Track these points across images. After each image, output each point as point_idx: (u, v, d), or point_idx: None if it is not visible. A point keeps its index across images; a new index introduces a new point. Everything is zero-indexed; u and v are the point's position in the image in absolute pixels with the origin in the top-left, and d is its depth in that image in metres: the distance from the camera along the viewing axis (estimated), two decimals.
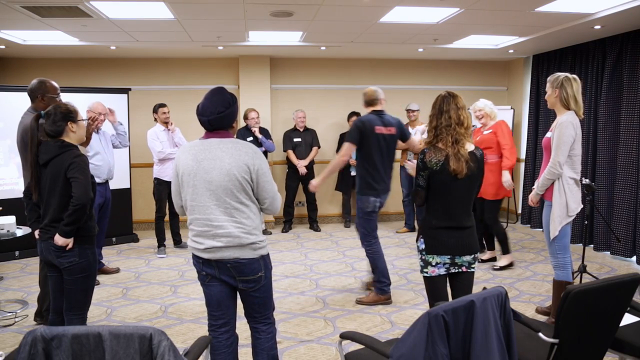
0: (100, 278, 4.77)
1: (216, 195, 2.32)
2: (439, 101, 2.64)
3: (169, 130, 5.74)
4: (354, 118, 6.83)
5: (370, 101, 4.13)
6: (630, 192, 5.34)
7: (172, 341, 1.60)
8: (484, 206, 5.06)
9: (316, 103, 7.41)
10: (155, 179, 5.73)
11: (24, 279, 4.93)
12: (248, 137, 6.31)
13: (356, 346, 2.41)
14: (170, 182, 2.56)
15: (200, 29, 5.36)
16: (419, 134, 4.26)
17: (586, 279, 4.25)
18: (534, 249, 5.94)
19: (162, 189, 5.67)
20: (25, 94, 3.60)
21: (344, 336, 2.26)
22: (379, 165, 4.02)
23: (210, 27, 5.32)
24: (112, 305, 4.25)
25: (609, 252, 5.66)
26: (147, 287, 4.69)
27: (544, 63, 6.85)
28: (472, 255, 2.67)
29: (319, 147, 7.00)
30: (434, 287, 2.68)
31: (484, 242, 5.36)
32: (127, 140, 5.30)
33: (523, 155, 7.27)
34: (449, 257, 2.62)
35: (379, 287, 4.14)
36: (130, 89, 6.49)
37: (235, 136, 2.48)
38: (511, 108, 7.49)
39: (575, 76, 3.41)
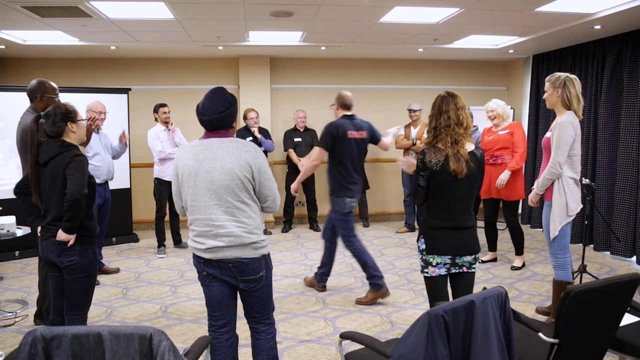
0: (100, 278, 4.77)
1: (217, 194, 2.32)
2: (438, 101, 2.64)
3: (169, 130, 5.74)
4: None
5: (346, 105, 4.22)
6: (630, 192, 5.34)
7: (172, 341, 1.60)
8: (504, 208, 5.07)
9: (316, 103, 7.41)
10: (156, 179, 5.74)
11: (24, 279, 4.93)
12: (247, 137, 6.31)
13: (356, 346, 2.41)
14: (170, 182, 2.57)
15: (200, 29, 5.36)
16: (390, 137, 4.34)
17: (586, 279, 4.25)
18: (534, 249, 5.93)
19: (162, 189, 5.68)
20: (25, 94, 3.61)
21: (344, 336, 2.26)
22: (351, 169, 4.13)
23: (210, 27, 5.32)
24: (112, 305, 4.25)
25: (609, 252, 5.66)
26: (147, 287, 4.69)
27: (544, 63, 6.85)
28: (473, 256, 2.66)
29: None
30: (434, 288, 2.68)
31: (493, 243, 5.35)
32: (120, 156, 5.33)
33: None
34: (449, 257, 2.62)
35: (373, 282, 4.18)
36: (130, 89, 6.49)
37: (234, 136, 2.48)
38: (511, 108, 7.45)
39: (575, 76, 3.42)
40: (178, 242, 6.10)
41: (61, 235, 2.71)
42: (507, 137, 4.97)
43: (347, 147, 4.08)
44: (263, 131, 6.57)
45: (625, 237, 5.34)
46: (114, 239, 6.24)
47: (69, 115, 2.80)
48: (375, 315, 3.96)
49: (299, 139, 6.89)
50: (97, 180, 4.52)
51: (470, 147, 2.60)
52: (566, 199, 3.41)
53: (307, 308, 4.12)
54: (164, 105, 5.82)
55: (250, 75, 7.17)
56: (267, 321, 2.55)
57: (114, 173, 5.08)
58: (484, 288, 1.97)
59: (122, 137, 5.16)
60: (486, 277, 4.88)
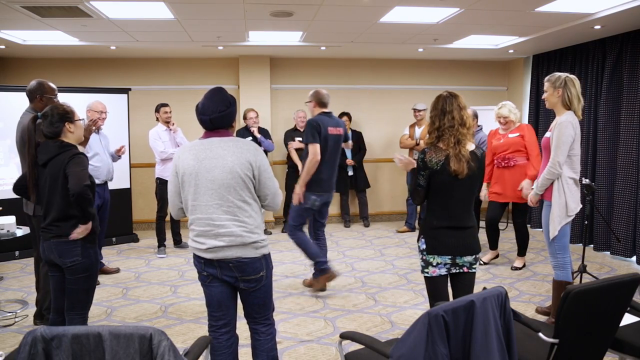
0: (100, 278, 4.76)
1: (218, 194, 2.31)
2: (440, 101, 2.62)
3: (170, 130, 5.74)
4: (344, 118, 6.85)
5: (323, 102, 4.26)
6: (630, 192, 5.34)
7: (172, 341, 1.60)
8: (514, 210, 5.08)
9: None
10: (158, 178, 5.73)
11: (24, 279, 4.93)
12: (247, 137, 6.31)
13: (356, 346, 2.41)
14: None
15: (200, 29, 5.36)
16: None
17: (586, 279, 4.25)
18: (533, 249, 5.93)
19: (164, 188, 5.62)
20: (25, 94, 3.61)
21: (344, 336, 2.26)
22: (324, 166, 4.17)
23: (210, 27, 5.32)
24: (112, 305, 4.25)
25: (609, 252, 5.66)
26: (147, 287, 4.69)
27: (544, 63, 6.85)
28: (473, 256, 2.66)
29: None
30: (434, 288, 2.67)
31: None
32: (114, 161, 5.27)
33: None
34: (449, 257, 2.62)
35: (318, 267, 4.26)
36: (130, 89, 6.49)
37: (234, 136, 2.48)
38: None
39: (574, 76, 3.42)
40: (178, 242, 6.10)
41: (78, 230, 2.72)
42: (518, 140, 4.89)
43: (326, 143, 4.15)
44: (263, 131, 6.56)
45: (625, 237, 5.34)
46: (114, 239, 6.24)
47: (67, 115, 2.80)
48: (375, 315, 3.96)
49: (299, 139, 6.88)
50: (97, 181, 4.52)
51: (471, 146, 2.60)
52: (566, 199, 3.41)
53: (307, 308, 4.12)
54: (165, 105, 5.81)
55: (250, 75, 7.17)
56: (267, 322, 2.55)
57: (114, 174, 5.07)
58: (484, 288, 1.97)
59: (120, 151, 5.09)
60: (486, 277, 4.88)
